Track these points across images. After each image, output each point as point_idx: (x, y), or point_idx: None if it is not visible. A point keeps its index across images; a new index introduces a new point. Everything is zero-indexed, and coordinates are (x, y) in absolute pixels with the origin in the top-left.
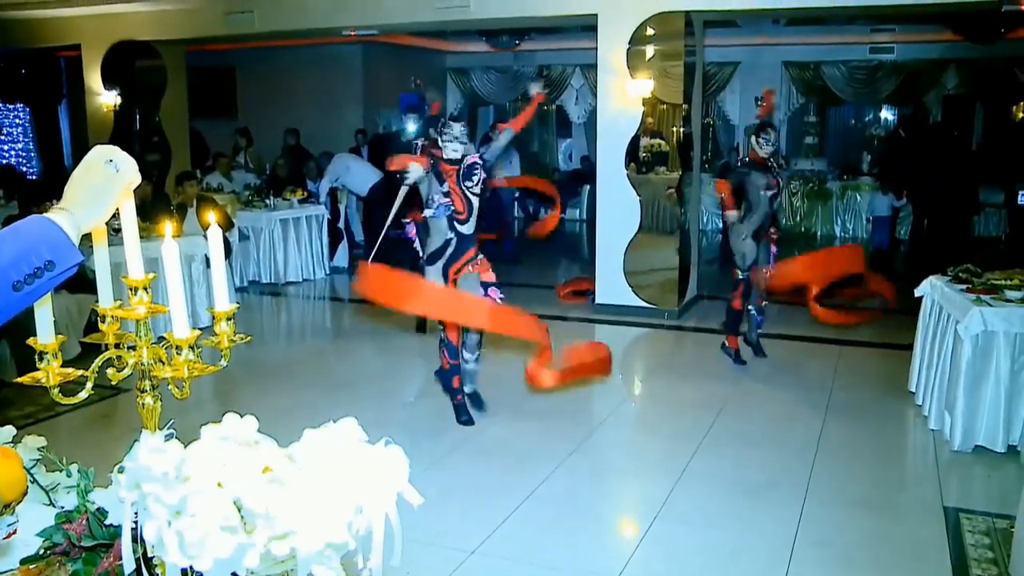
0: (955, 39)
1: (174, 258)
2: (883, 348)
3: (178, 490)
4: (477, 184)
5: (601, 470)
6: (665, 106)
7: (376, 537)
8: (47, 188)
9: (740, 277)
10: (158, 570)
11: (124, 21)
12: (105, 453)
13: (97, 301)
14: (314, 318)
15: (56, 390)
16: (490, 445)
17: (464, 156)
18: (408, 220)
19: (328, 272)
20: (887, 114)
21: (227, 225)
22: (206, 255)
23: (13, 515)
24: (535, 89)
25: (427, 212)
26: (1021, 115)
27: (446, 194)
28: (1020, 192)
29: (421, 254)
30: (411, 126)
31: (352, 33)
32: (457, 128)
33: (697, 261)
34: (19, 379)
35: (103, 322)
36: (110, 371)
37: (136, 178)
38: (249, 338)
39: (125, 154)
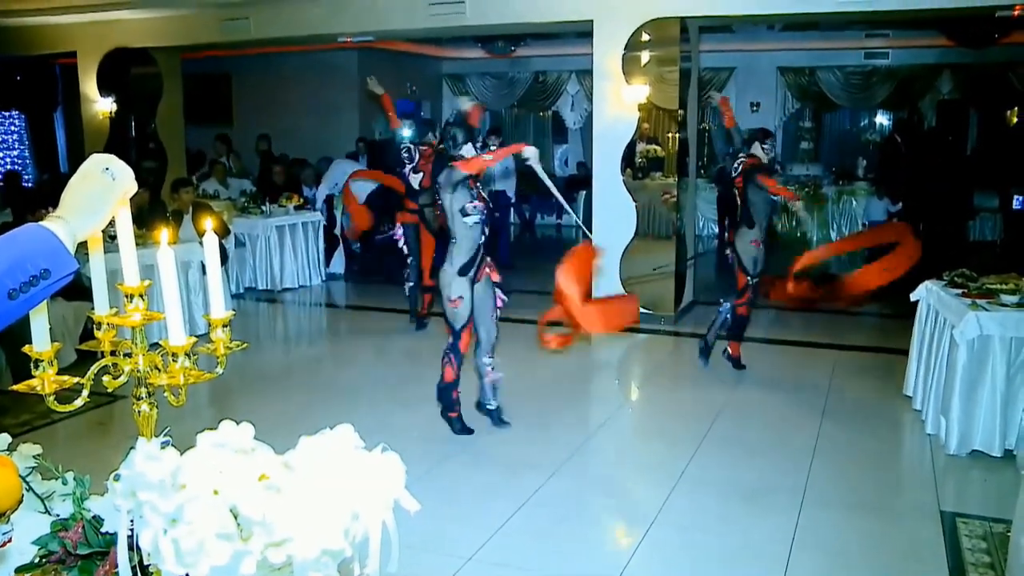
0: (949, 44)
1: (170, 265)
2: (879, 352)
3: (174, 498)
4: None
5: (598, 476)
6: (661, 112)
7: (373, 544)
8: (42, 195)
9: (749, 283)
10: None
11: (120, 28)
12: (101, 460)
13: (93, 308)
14: (310, 325)
15: (52, 398)
16: (486, 451)
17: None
18: (395, 225)
19: (324, 278)
20: (882, 119)
21: (223, 232)
22: (202, 262)
23: (8, 523)
24: (467, 105)
25: (470, 219)
26: (1015, 120)
27: (475, 198)
28: (1015, 197)
29: (407, 253)
30: (407, 132)
31: (348, 40)
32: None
33: (694, 266)
34: (14, 387)
35: (99, 329)
36: (106, 378)
37: (133, 187)
38: (245, 345)
39: (122, 163)
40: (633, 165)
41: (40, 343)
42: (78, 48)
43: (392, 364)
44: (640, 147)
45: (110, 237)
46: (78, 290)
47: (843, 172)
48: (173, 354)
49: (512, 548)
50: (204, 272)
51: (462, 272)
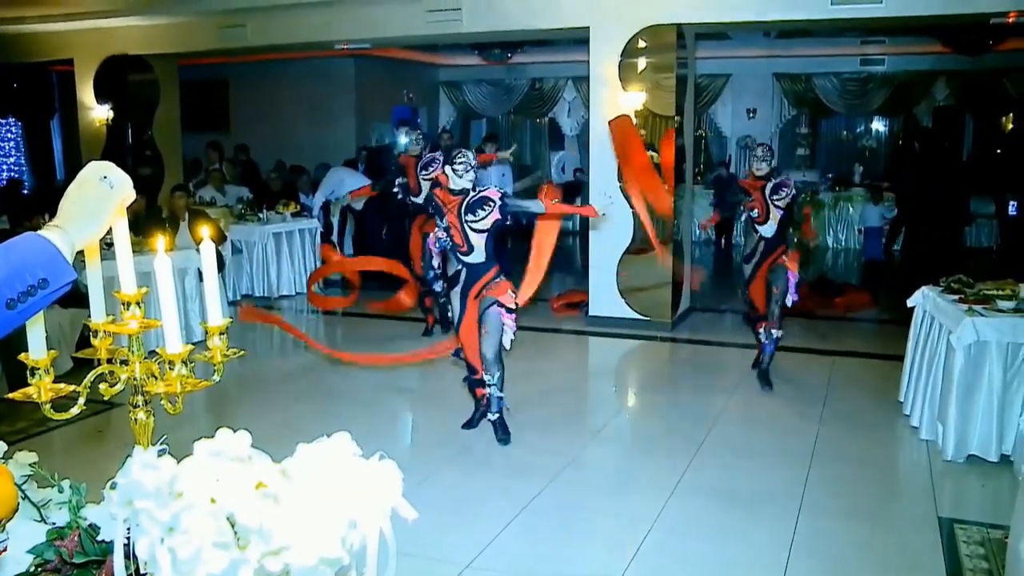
0: (945, 51)
1: (167, 273)
2: (875, 359)
3: (171, 506)
4: (481, 220)
5: (595, 483)
6: (657, 118)
7: (370, 552)
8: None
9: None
10: None
11: (117, 35)
12: (97, 468)
13: (89, 316)
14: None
15: (47, 406)
16: (484, 459)
17: (472, 187)
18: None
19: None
20: (878, 125)
21: (220, 239)
22: (198, 268)
23: (4, 532)
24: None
25: (438, 235)
26: (1010, 126)
27: (446, 229)
28: (1011, 203)
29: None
30: (403, 139)
31: (345, 47)
32: (469, 157)
33: (690, 273)
34: (10, 395)
35: (95, 337)
36: (102, 386)
37: (131, 195)
38: (242, 352)
39: (120, 171)
40: None
41: (36, 351)
42: (75, 55)
43: (388, 371)
44: None
45: (106, 244)
46: (74, 297)
47: (839, 178)
48: (170, 362)
49: (509, 556)
50: (201, 279)
51: (451, 284)
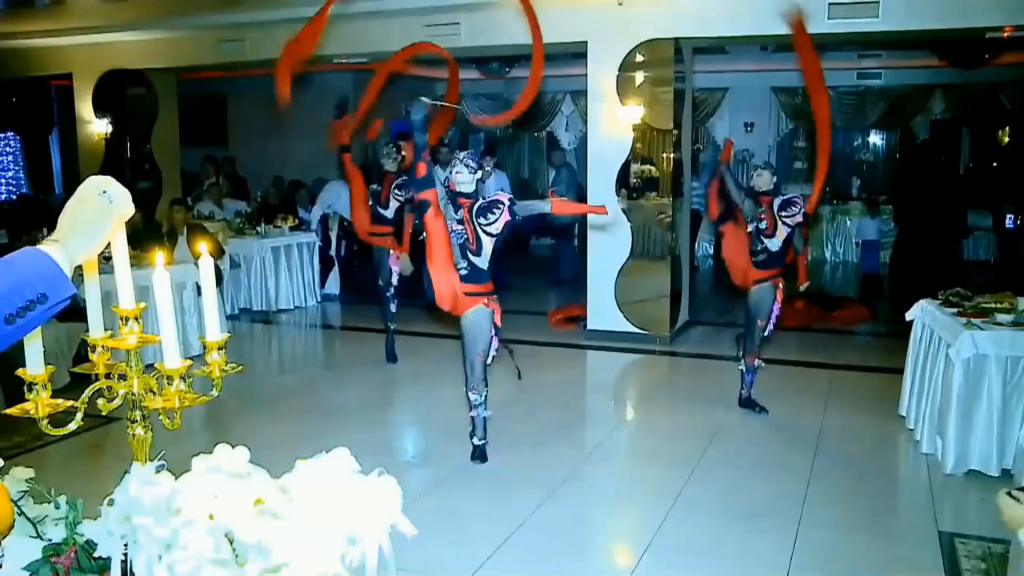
0: (941, 65)
1: (165, 288)
2: (874, 372)
3: (169, 523)
4: (491, 224)
5: (594, 498)
6: (655, 132)
7: (369, 568)
8: (36, 217)
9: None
10: None
11: (115, 49)
12: (95, 484)
13: (87, 330)
14: (306, 346)
15: (45, 421)
16: (482, 474)
17: (479, 192)
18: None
19: (319, 300)
20: (876, 139)
21: (218, 253)
22: (197, 283)
23: None
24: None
25: (453, 227)
26: (1007, 139)
27: (460, 222)
28: (1008, 216)
29: None
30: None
31: (343, 61)
32: (467, 157)
33: (688, 286)
34: (8, 411)
35: (93, 352)
36: (100, 401)
37: (130, 210)
38: (240, 367)
39: (119, 185)
40: (628, 185)
41: (34, 366)
42: (74, 69)
43: (389, 386)
44: (634, 167)
45: (105, 258)
46: (72, 311)
47: (837, 191)
48: (168, 377)
49: (508, 571)
50: (199, 293)
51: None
